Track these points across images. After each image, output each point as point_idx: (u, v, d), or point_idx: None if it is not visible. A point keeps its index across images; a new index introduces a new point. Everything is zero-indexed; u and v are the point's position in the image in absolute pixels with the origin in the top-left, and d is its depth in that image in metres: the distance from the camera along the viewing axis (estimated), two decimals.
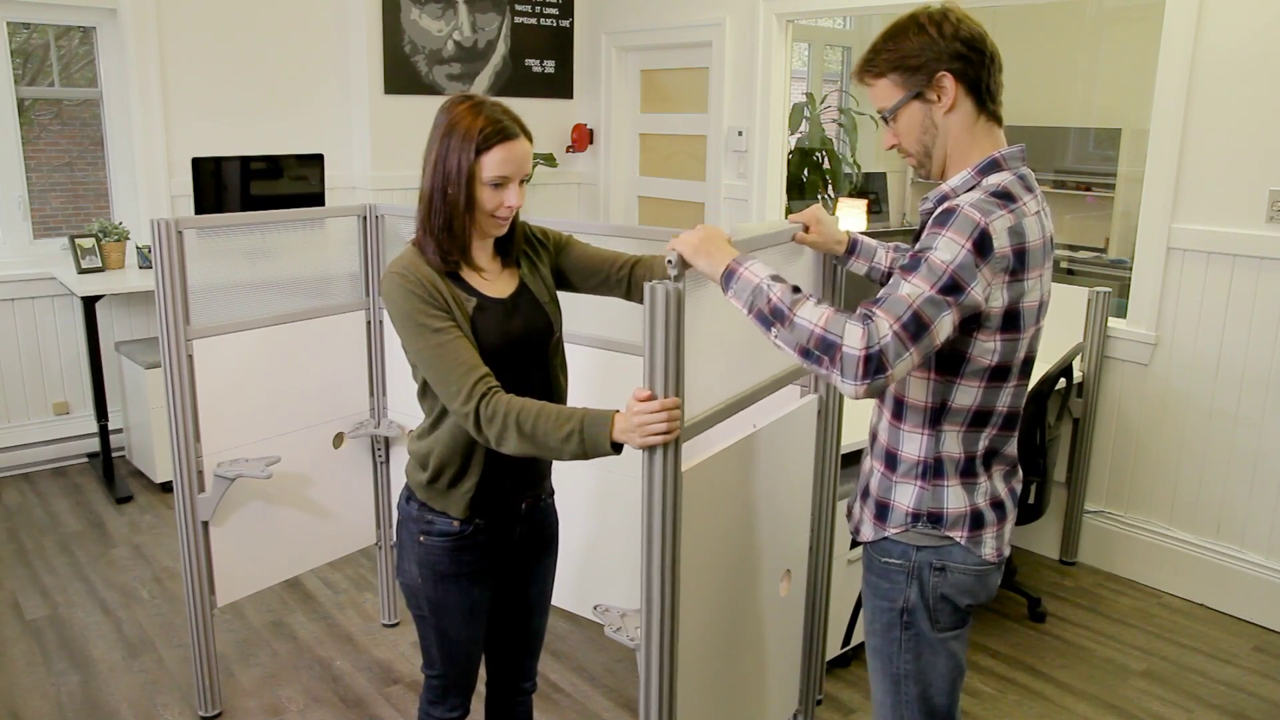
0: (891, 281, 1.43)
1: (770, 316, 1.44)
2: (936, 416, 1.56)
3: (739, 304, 1.48)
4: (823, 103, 6.40)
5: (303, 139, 4.85)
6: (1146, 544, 3.45)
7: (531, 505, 1.86)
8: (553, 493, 1.93)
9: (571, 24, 5.60)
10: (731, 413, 1.73)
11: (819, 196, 6.14)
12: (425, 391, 1.73)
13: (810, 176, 6.12)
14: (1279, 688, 2.85)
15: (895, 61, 1.55)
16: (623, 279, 1.87)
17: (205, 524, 2.47)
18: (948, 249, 1.40)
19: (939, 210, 1.46)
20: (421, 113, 5.08)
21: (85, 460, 4.47)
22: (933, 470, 1.58)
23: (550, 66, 5.57)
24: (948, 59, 1.50)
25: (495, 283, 1.74)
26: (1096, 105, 5.89)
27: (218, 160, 4.42)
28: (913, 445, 1.58)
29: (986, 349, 1.49)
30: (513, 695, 2.03)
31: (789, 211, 5.28)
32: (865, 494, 1.70)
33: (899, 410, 1.59)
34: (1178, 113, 3.21)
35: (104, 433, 4.19)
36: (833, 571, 2.25)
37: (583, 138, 5.68)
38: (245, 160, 4.48)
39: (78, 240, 4.21)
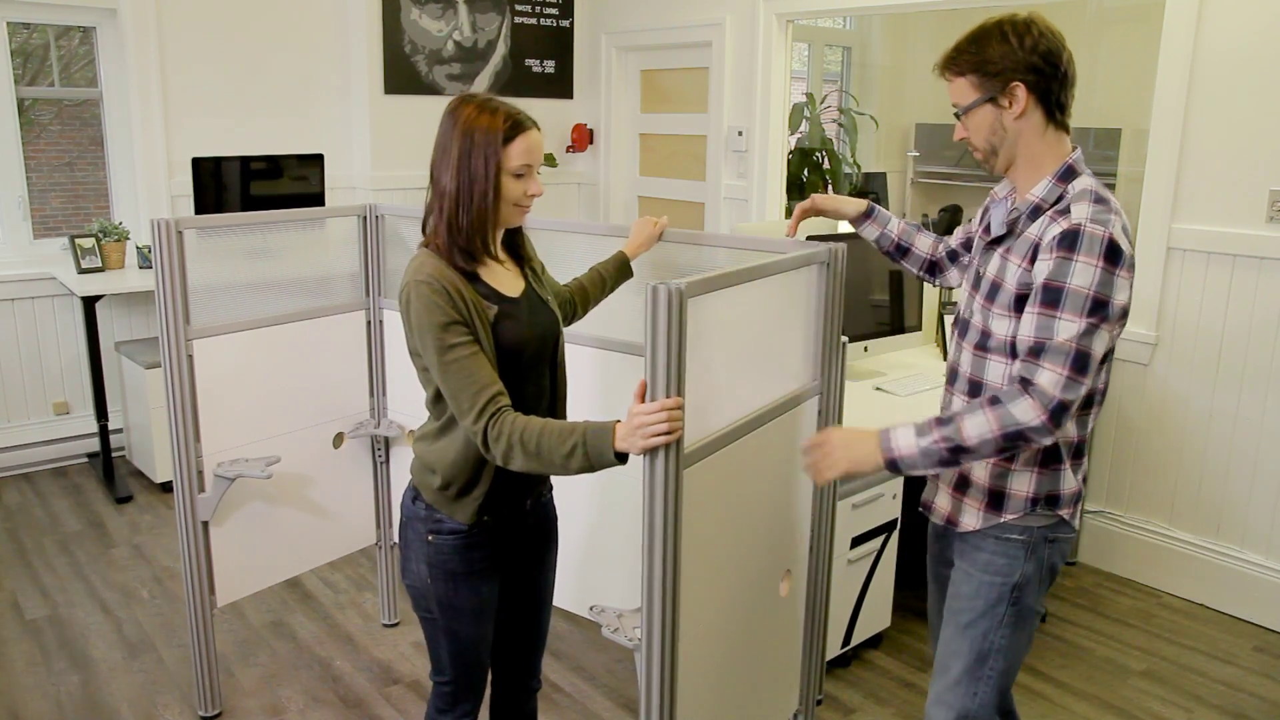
0: (1033, 322, 1.54)
1: (952, 458, 1.57)
2: None
3: (920, 472, 1.61)
4: (823, 103, 6.40)
5: (303, 139, 4.85)
6: (1146, 544, 3.45)
7: (534, 502, 1.89)
8: (552, 489, 1.96)
9: (571, 24, 5.60)
10: (743, 434, 1.73)
11: None
12: (439, 396, 1.73)
13: (810, 176, 6.12)
14: (1279, 688, 2.85)
15: (975, 64, 1.62)
16: (574, 306, 2.04)
17: (205, 524, 2.47)
18: (1084, 274, 1.52)
19: (1061, 235, 1.55)
20: (422, 113, 5.10)
21: (85, 460, 4.47)
22: (1052, 455, 1.68)
23: (550, 66, 5.57)
24: (1023, 70, 1.59)
25: (509, 280, 1.78)
26: (1096, 105, 5.89)
27: (218, 160, 4.42)
28: None
29: (1107, 339, 1.57)
30: (520, 695, 2.03)
31: (789, 212, 5.28)
32: (962, 484, 1.76)
33: None
34: (1178, 113, 3.21)
35: (104, 433, 4.19)
36: (833, 571, 2.25)
37: (583, 138, 5.68)
38: (245, 160, 4.48)
39: (78, 240, 4.21)
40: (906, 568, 3.03)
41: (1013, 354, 1.63)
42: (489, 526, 1.78)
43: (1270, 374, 3.12)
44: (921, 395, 3.02)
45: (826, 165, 6.15)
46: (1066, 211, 1.59)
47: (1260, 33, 3.02)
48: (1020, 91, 1.60)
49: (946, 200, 6.79)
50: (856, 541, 2.74)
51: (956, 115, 1.69)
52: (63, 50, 4.46)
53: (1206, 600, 3.32)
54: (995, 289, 1.68)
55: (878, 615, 2.90)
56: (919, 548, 3.51)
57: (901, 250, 2.06)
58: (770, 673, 2.04)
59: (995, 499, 1.72)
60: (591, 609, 1.93)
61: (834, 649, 2.76)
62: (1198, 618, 3.24)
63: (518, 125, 1.69)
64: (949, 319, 3.53)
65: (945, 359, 3.47)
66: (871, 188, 6.56)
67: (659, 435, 1.45)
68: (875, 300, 3.25)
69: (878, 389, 3.08)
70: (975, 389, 1.72)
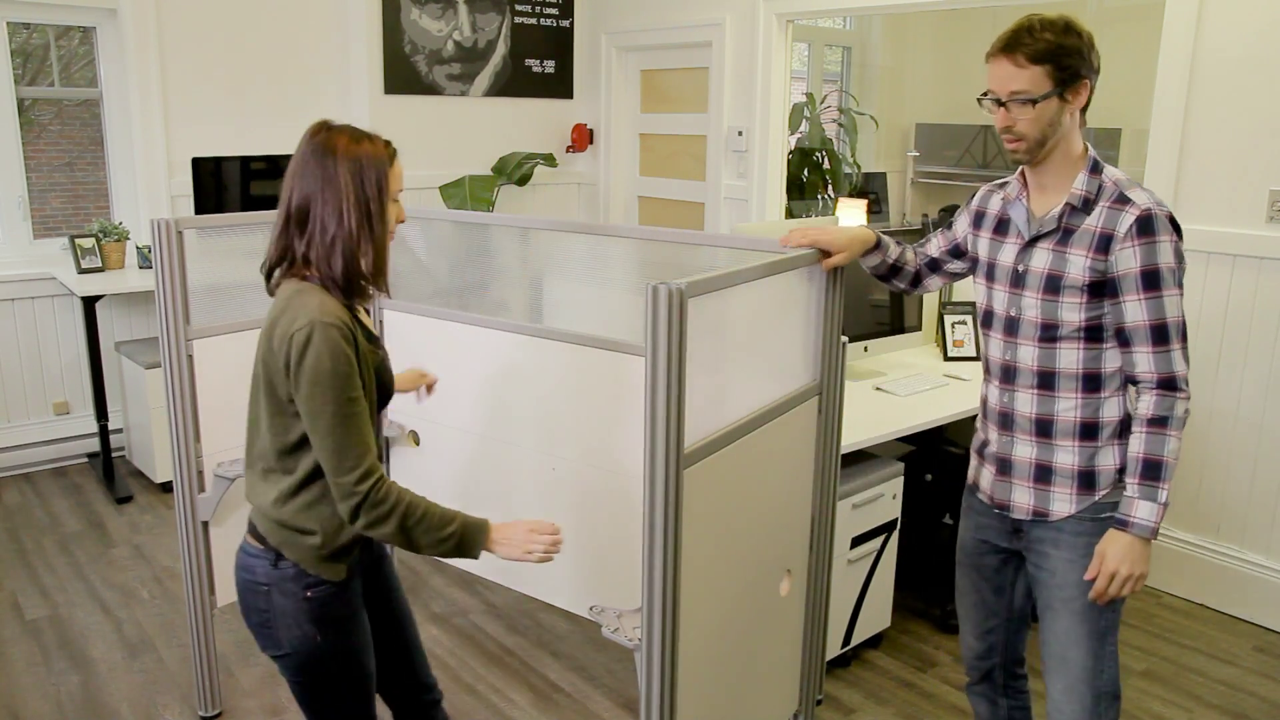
0: (1143, 308, 1.67)
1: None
2: (1125, 377, 1.75)
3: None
4: (823, 103, 6.40)
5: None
6: None
7: None
8: None
9: (571, 24, 5.60)
10: (743, 434, 1.73)
11: (819, 196, 6.14)
12: (297, 447, 1.61)
13: (810, 176, 6.12)
14: (1279, 688, 2.85)
15: (1055, 55, 1.65)
16: None
17: (205, 524, 2.47)
18: (1166, 251, 1.66)
19: (1138, 223, 1.65)
20: (422, 113, 5.10)
21: (85, 460, 4.47)
22: (1126, 426, 1.77)
23: (550, 66, 5.57)
24: (1089, 68, 1.68)
25: (363, 317, 1.72)
26: (1096, 105, 5.88)
27: (218, 160, 4.42)
28: (1112, 408, 1.76)
29: None
30: (429, 711, 1.97)
31: (789, 212, 5.28)
32: (1044, 475, 1.81)
33: (1095, 383, 1.75)
34: (1178, 113, 3.21)
35: (104, 433, 4.19)
36: (833, 571, 2.25)
37: (583, 138, 5.68)
38: (245, 160, 4.48)
39: (78, 240, 4.20)
40: (906, 568, 3.03)
41: (1121, 341, 1.72)
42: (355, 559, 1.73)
43: (1270, 374, 3.12)
44: (921, 395, 3.01)
45: (826, 165, 6.16)
46: (1125, 200, 1.68)
47: (1260, 33, 3.02)
48: (1084, 88, 1.68)
49: (946, 200, 6.79)
50: (856, 541, 2.73)
51: (999, 101, 1.69)
52: (63, 50, 4.46)
53: (1206, 600, 3.31)
54: (1055, 281, 1.73)
55: (878, 615, 2.90)
56: (919, 548, 3.52)
57: (893, 270, 2.07)
58: (770, 673, 2.04)
59: (1086, 480, 1.78)
60: (591, 609, 1.93)
61: (834, 649, 2.76)
62: (1197, 618, 3.24)
63: (392, 150, 1.66)
64: (950, 319, 3.53)
65: (945, 357, 3.48)
66: (871, 188, 6.56)
67: (533, 557, 1.63)
68: (875, 300, 3.25)
69: (878, 389, 3.07)
70: (1047, 380, 1.77)
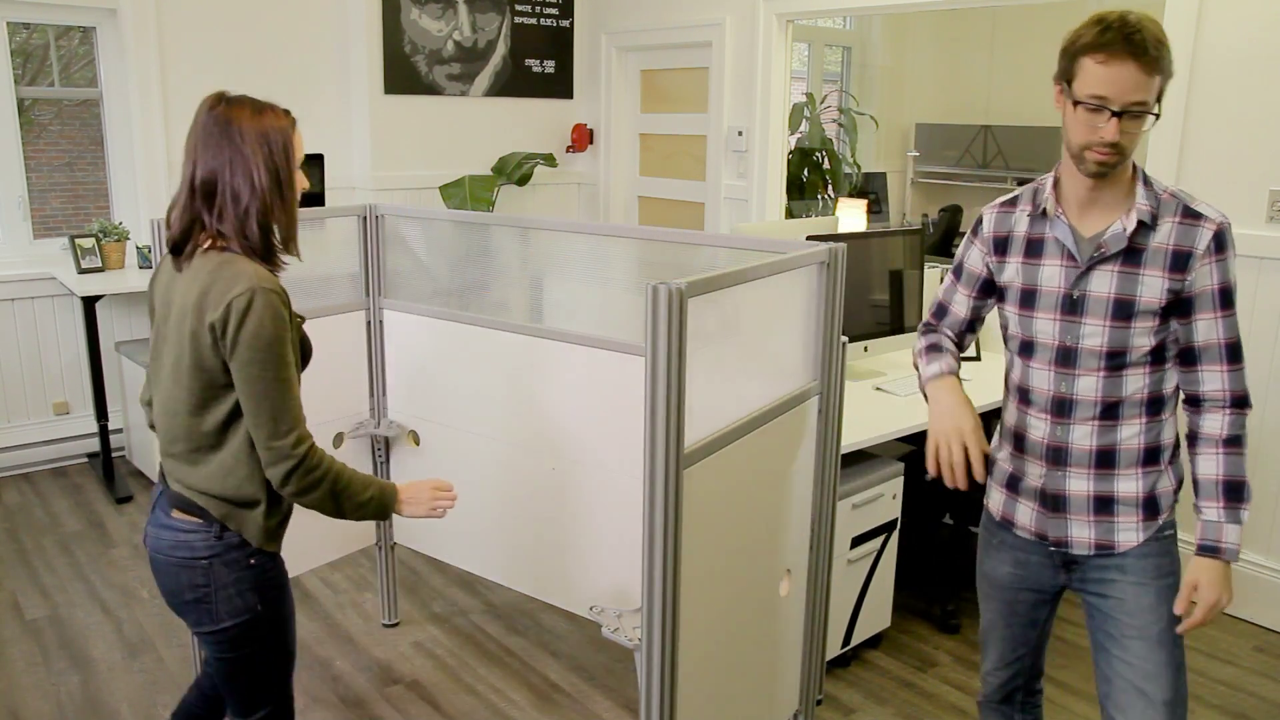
0: (1221, 326, 1.64)
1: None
2: (1178, 398, 1.74)
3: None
4: (823, 103, 6.40)
5: (303, 139, 4.85)
6: None
7: None
8: None
9: (571, 24, 5.60)
10: (743, 434, 1.73)
11: (819, 196, 6.14)
12: (229, 424, 1.61)
13: (810, 176, 6.12)
14: (1279, 688, 2.85)
15: (1166, 67, 1.53)
16: None
17: None
18: (1234, 266, 1.61)
19: (1215, 239, 1.58)
20: (422, 113, 5.10)
21: (85, 460, 4.47)
22: (1179, 447, 1.77)
23: (550, 66, 5.57)
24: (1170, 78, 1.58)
25: None
26: None
27: None
28: (1170, 430, 1.74)
29: None
30: None
31: (789, 212, 5.28)
32: (1106, 506, 1.73)
33: (1157, 406, 1.71)
34: (1178, 113, 3.21)
35: (104, 433, 4.19)
36: (833, 571, 2.25)
37: (583, 138, 5.68)
38: None
39: (78, 240, 4.20)
40: (906, 568, 3.03)
41: (1185, 360, 1.68)
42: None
43: (1270, 374, 3.11)
44: (921, 395, 3.01)
45: (826, 165, 6.16)
46: (1196, 215, 1.59)
47: (1260, 33, 3.02)
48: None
49: (946, 200, 6.79)
50: (856, 541, 2.74)
51: (1116, 113, 1.51)
52: (63, 50, 4.46)
53: None
54: (1127, 306, 1.62)
55: (878, 615, 2.90)
56: (919, 548, 3.52)
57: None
58: (770, 673, 2.04)
59: (1150, 506, 1.74)
60: (591, 609, 1.93)
61: (834, 649, 2.76)
62: None
63: (293, 118, 1.69)
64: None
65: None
66: (871, 188, 6.56)
67: (438, 513, 1.78)
68: (875, 300, 3.25)
69: (878, 389, 3.08)
70: (1111, 409, 1.68)
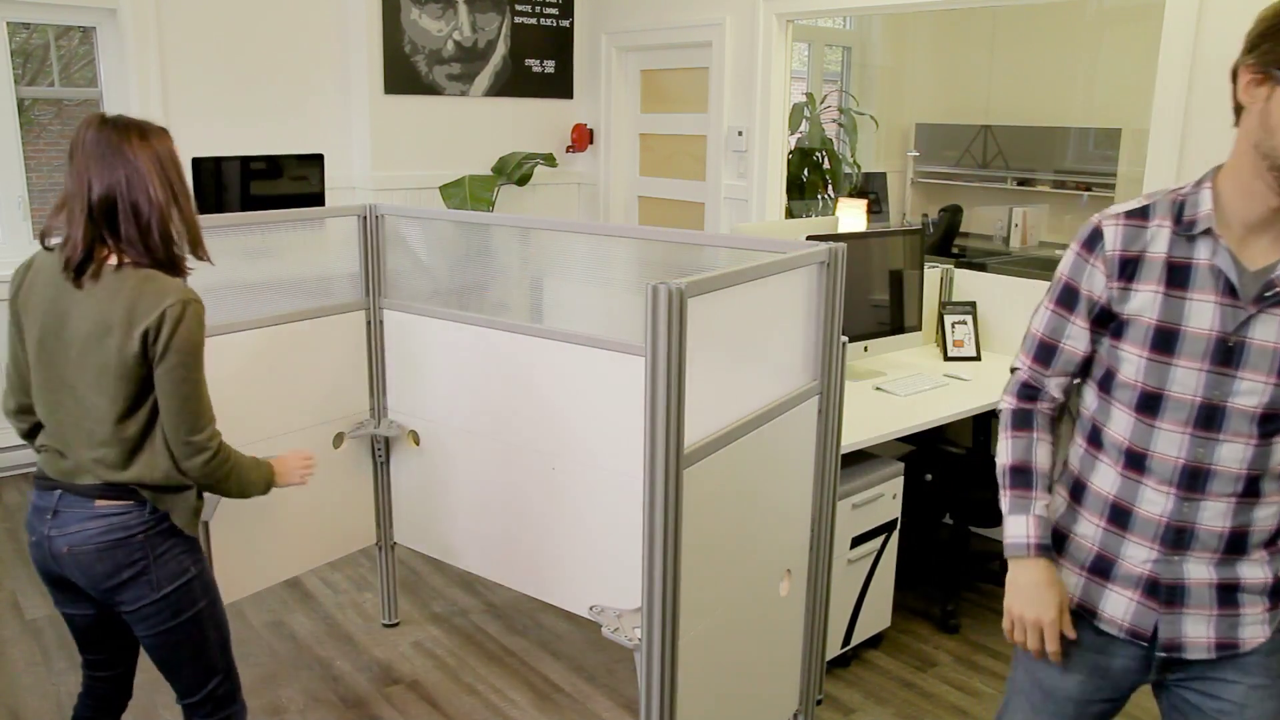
0: None
1: None
2: None
3: None
4: (823, 103, 6.40)
5: (303, 139, 4.85)
6: None
7: None
8: None
9: (571, 24, 5.60)
10: (743, 434, 1.73)
11: (819, 196, 6.14)
12: (150, 426, 1.74)
13: (810, 176, 6.12)
14: None
15: None
16: None
17: (205, 524, 2.47)
18: None
19: None
20: (422, 113, 5.10)
21: None
22: None
23: (550, 66, 5.57)
24: None
25: None
26: (1096, 105, 5.89)
27: (218, 160, 4.42)
28: None
29: None
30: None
31: (789, 212, 5.28)
32: (1230, 599, 1.41)
33: None
34: (1178, 113, 3.21)
35: None
36: (833, 571, 2.26)
37: (583, 138, 5.68)
38: (245, 160, 4.48)
39: None
40: (906, 568, 3.03)
41: None
42: None
43: None
44: (921, 395, 3.01)
45: (826, 165, 6.16)
46: None
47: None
48: None
49: (946, 200, 6.79)
50: (856, 541, 2.74)
51: None
52: (63, 50, 4.46)
53: None
54: None
55: (878, 615, 2.90)
56: (919, 548, 3.52)
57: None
58: (770, 672, 2.04)
59: (1275, 593, 1.42)
60: (591, 609, 1.93)
61: (834, 649, 2.76)
62: None
63: (169, 133, 1.78)
64: (950, 319, 3.52)
65: (945, 357, 3.47)
66: (871, 188, 6.57)
67: (303, 480, 2.03)
68: (875, 300, 3.25)
69: (878, 389, 3.08)
70: (1253, 485, 1.36)
